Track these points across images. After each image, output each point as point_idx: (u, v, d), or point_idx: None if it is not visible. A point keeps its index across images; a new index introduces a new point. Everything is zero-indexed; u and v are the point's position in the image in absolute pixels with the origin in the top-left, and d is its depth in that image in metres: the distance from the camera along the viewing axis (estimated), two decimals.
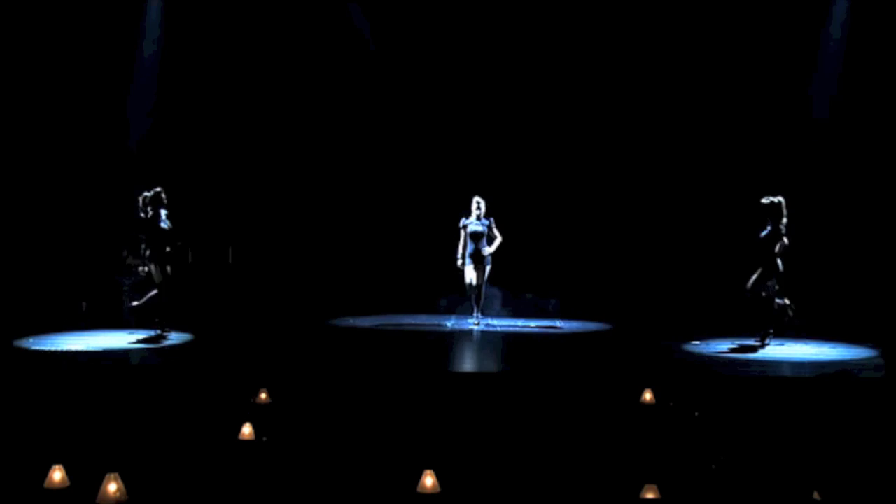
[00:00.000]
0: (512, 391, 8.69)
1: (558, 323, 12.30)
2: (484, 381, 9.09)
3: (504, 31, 13.52)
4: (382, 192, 13.65)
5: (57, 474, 5.64)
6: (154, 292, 11.11)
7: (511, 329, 12.01)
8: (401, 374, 9.14)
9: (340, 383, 8.67)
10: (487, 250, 12.00)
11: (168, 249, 11.03)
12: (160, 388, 8.48)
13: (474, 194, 12.17)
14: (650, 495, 5.56)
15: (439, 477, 5.71)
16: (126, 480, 5.53)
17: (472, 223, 12.12)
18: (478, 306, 12.28)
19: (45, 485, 5.62)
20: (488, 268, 12.16)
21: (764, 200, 10.75)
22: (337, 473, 6.51)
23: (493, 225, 12.18)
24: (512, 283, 12.93)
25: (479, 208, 12.07)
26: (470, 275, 12.16)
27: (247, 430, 6.70)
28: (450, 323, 12.28)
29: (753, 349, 10.50)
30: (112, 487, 5.47)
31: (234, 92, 13.41)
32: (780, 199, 10.75)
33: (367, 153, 13.68)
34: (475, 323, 12.20)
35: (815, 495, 5.63)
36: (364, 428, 7.52)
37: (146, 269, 11.10)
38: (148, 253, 11.05)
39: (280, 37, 13.41)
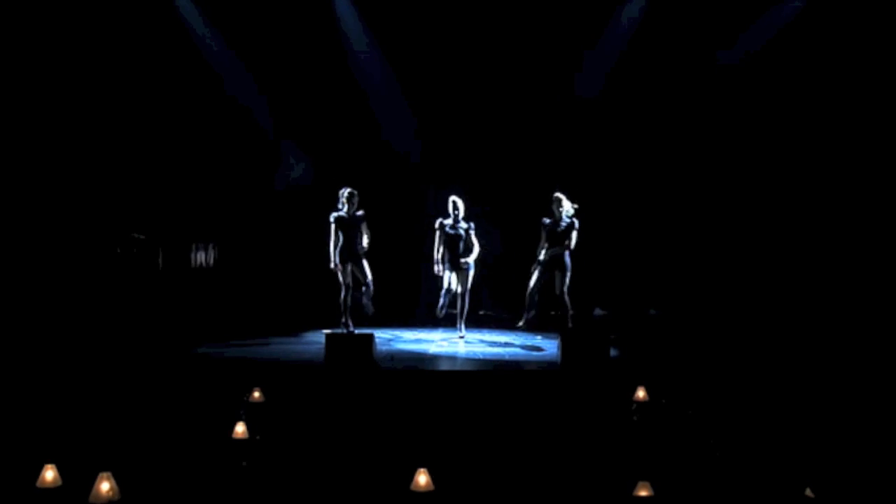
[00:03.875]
0: (506, 389, 8.67)
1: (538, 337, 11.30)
2: (477, 379, 9.05)
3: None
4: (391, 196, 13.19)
5: (49, 473, 5.61)
6: (367, 288, 10.98)
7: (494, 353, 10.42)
8: (393, 373, 9.13)
9: (334, 385, 8.65)
10: (466, 260, 10.90)
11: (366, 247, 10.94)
12: (153, 386, 8.45)
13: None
14: (643, 493, 5.52)
15: (433, 475, 5.67)
16: (119, 479, 5.48)
17: (448, 226, 10.96)
18: (461, 318, 11.11)
19: (38, 484, 5.59)
20: (471, 274, 10.99)
21: (558, 195, 10.82)
22: (331, 472, 6.52)
23: (473, 231, 11.01)
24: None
25: (456, 209, 10.92)
26: (449, 281, 10.98)
27: (240, 429, 6.64)
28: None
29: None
30: (105, 486, 5.42)
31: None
32: (559, 194, 10.83)
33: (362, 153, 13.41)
34: (460, 335, 11.16)
35: (808, 492, 5.63)
36: (358, 427, 7.51)
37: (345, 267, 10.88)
38: (354, 251, 10.87)
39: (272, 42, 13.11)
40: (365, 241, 10.97)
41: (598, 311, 12.60)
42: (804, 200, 12.43)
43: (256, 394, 7.45)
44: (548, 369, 9.44)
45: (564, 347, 9.47)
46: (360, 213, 10.99)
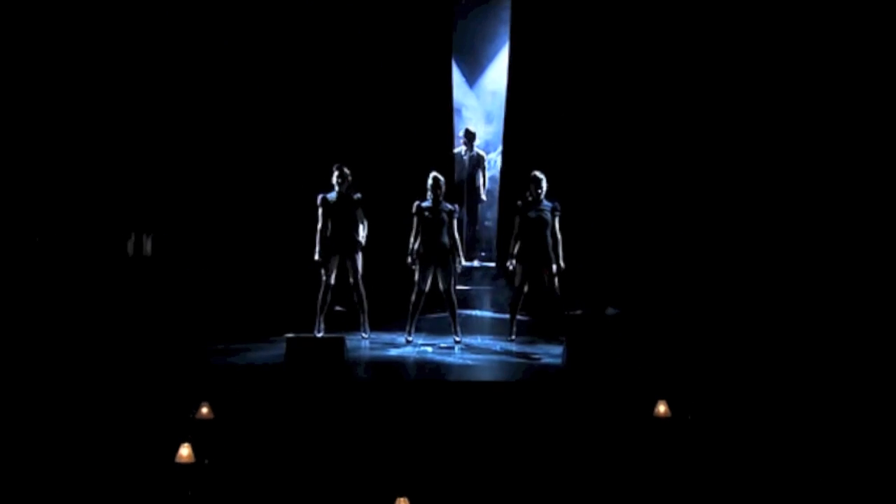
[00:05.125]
0: (503, 402, 7.99)
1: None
2: (471, 390, 8.30)
3: None
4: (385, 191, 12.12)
5: None
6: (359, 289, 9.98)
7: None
8: (369, 385, 8.45)
9: (297, 399, 7.93)
10: (455, 253, 9.86)
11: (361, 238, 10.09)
12: (79, 401, 7.70)
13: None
14: None
15: None
16: None
17: (427, 210, 9.81)
18: (453, 321, 10.10)
19: None
20: (454, 267, 9.94)
21: (536, 173, 9.93)
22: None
23: (457, 215, 9.99)
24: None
25: (437, 188, 9.79)
26: (428, 277, 9.88)
27: (185, 452, 6.19)
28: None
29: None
30: None
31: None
32: (538, 173, 9.96)
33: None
34: (456, 340, 10.10)
35: None
36: (325, 450, 6.92)
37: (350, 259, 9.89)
38: (344, 242, 9.86)
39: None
40: (361, 232, 9.99)
41: (611, 310, 11.86)
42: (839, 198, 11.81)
43: (204, 410, 7.02)
44: (551, 378, 8.76)
45: (570, 353, 8.80)
46: (356, 196, 9.97)
